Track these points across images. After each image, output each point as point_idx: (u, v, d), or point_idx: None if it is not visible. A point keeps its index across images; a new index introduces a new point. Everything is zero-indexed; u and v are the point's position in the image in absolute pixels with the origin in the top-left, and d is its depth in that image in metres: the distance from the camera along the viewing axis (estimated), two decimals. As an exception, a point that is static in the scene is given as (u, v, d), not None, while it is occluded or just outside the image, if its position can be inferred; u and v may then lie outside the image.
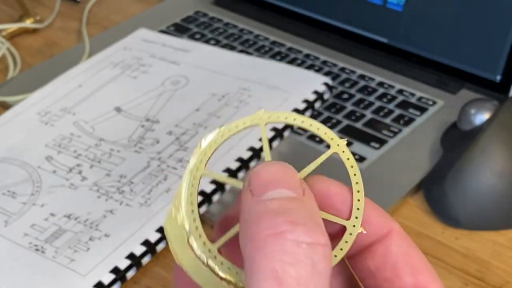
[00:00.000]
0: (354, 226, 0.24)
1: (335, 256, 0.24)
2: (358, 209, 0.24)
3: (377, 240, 0.25)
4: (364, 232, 0.24)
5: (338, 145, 0.24)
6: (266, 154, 0.24)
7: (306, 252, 0.20)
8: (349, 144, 0.62)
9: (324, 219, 0.23)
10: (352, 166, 0.24)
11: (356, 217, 0.24)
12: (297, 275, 0.20)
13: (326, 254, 0.21)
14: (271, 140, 0.60)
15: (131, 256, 0.50)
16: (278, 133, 0.61)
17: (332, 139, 0.24)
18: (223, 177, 0.24)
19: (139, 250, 0.51)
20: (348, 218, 0.24)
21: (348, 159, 0.24)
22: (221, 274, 0.23)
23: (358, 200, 0.24)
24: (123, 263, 0.50)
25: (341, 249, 0.24)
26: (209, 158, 0.24)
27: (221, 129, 0.24)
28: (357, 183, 0.24)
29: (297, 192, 0.22)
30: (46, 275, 0.49)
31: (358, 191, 0.24)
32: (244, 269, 0.21)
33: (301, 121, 0.24)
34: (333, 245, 0.23)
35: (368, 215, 0.25)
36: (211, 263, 0.23)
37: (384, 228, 0.25)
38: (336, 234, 0.25)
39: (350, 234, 0.24)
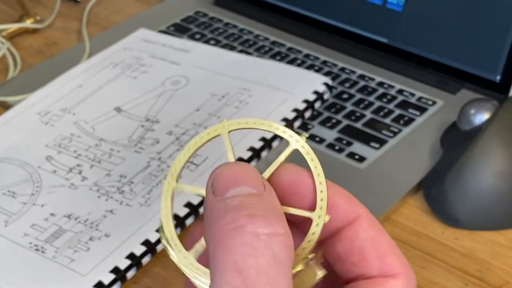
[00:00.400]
0: (319, 216, 0.25)
1: (304, 248, 0.24)
2: (321, 199, 0.25)
3: (345, 225, 0.26)
4: (328, 221, 0.25)
5: (297, 141, 0.25)
6: (230, 157, 0.26)
7: (265, 243, 0.21)
8: (350, 143, 0.62)
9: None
10: (312, 159, 0.25)
11: (321, 208, 0.25)
12: (257, 265, 0.21)
13: (286, 244, 0.22)
14: (271, 141, 0.60)
15: (131, 256, 0.50)
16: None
17: (291, 136, 0.25)
18: (192, 189, 0.26)
19: (139, 250, 0.51)
20: (314, 209, 0.25)
21: (308, 153, 0.25)
22: (196, 282, 0.24)
23: (321, 191, 0.25)
24: (123, 263, 0.50)
25: (309, 240, 0.24)
26: (180, 172, 0.26)
27: (188, 144, 0.26)
28: (318, 175, 0.25)
29: (257, 188, 0.23)
30: (46, 275, 0.49)
31: (320, 183, 0.25)
32: (209, 265, 0.22)
33: (260, 123, 0.26)
34: (302, 236, 0.24)
35: (335, 201, 0.25)
36: (187, 270, 0.24)
37: (351, 213, 0.26)
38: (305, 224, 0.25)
39: (317, 225, 0.25)
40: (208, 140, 0.26)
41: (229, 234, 0.21)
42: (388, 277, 0.25)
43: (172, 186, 0.26)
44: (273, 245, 0.21)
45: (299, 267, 0.24)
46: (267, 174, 0.25)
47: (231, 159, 0.25)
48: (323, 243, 0.26)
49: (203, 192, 0.25)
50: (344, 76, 0.70)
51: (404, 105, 0.66)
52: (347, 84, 0.69)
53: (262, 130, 0.26)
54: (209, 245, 0.22)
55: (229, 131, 0.26)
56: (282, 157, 0.25)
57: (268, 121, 0.26)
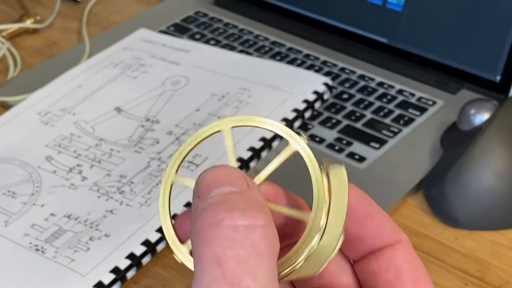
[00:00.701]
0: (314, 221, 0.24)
1: (295, 252, 0.24)
2: (317, 204, 0.25)
3: (386, 245, 0.26)
4: (341, 240, 0.24)
5: (298, 143, 0.25)
6: (230, 159, 0.26)
7: (243, 234, 0.21)
8: (350, 143, 0.62)
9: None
10: (310, 161, 0.25)
11: (316, 211, 0.24)
12: (236, 256, 0.21)
13: (266, 234, 0.22)
14: (271, 141, 0.60)
15: (131, 256, 0.50)
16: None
17: (291, 137, 0.25)
18: (191, 182, 0.26)
19: (139, 250, 0.51)
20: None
21: (307, 156, 0.25)
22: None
23: (318, 195, 0.25)
24: (123, 263, 0.50)
25: (303, 242, 0.24)
26: (180, 164, 0.26)
27: (190, 137, 0.26)
28: (317, 180, 0.25)
29: (239, 187, 0.23)
30: (46, 275, 0.49)
31: (318, 185, 0.25)
32: (193, 261, 0.22)
33: (263, 122, 0.25)
34: None
35: (381, 220, 0.26)
36: (185, 263, 0.25)
37: (394, 236, 0.26)
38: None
39: (310, 229, 0.24)
40: (210, 135, 0.26)
41: (209, 229, 0.22)
42: (392, 248, 0.26)
43: (171, 178, 0.25)
44: (252, 235, 0.21)
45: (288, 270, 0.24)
46: (264, 174, 0.25)
47: (231, 155, 0.25)
48: (358, 261, 0.27)
49: (192, 184, 0.25)
50: (344, 76, 0.70)
51: (404, 105, 0.66)
52: (347, 84, 0.69)
53: (264, 129, 0.25)
54: (193, 243, 0.22)
55: (232, 127, 0.25)
56: (281, 158, 0.25)
57: (271, 120, 0.25)
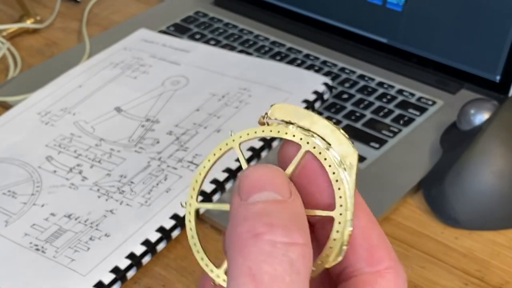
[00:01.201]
0: (341, 214, 0.24)
1: (331, 247, 0.24)
2: (340, 197, 0.24)
3: (368, 271, 0.25)
4: (351, 224, 0.24)
5: (308, 142, 0.25)
6: None
7: (281, 251, 0.21)
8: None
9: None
10: (325, 159, 0.25)
11: (341, 205, 0.24)
12: (272, 271, 0.21)
13: (304, 253, 0.22)
14: (271, 141, 0.60)
15: (131, 256, 0.50)
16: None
17: (301, 139, 0.25)
18: (215, 206, 0.26)
19: (139, 250, 0.51)
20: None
21: (320, 153, 0.25)
22: None
23: (339, 188, 0.25)
24: (123, 263, 0.50)
25: (334, 239, 0.24)
26: (199, 190, 0.26)
27: (201, 163, 0.26)
28: (333, 173, 0.25)
29: (283, 194, 0.23)
30: (46, 275, 0.49)
31: (337, 180, 0.25)
32: (227, 270, 0.22)
33: (268, 131, 0.25)
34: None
35: (374, 244, 0.25)
36: (217, 281, 0.25)
37: (383, 262, 0.25)
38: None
39: (339, 223, 0.24)
40: (221, 156, 0.26)
41: (247, 242, 0.21)
42: (377, 274, 0.25)
43: (194, 207, 0.26)
44: (290, 253, 0.21)
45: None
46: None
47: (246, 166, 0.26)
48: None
49: (226, 207, 0.25)
50: (344, 76, 0.71)
51: (404, 105, 0.66)
52: (347, 84, 0.69)
53: (272, 137, 0.26)
54: (228, 251, 0.22)
55: (240, 144, 0.26)
56: (296, 161, 0.25)
57: (275, 127, 0.25)
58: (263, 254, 0.21)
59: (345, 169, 0.25)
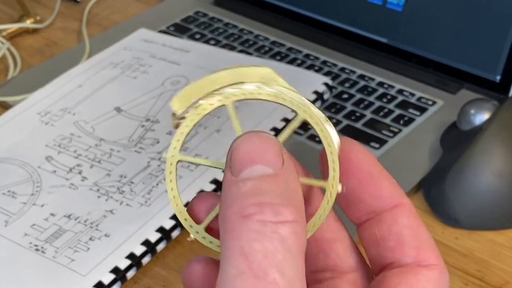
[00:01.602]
0: (333, 186, 0.25)
1: (314, 224, 0.25)
2: (334, 169, 0.25)
3: (387, 209, 0.25)
4: (340, 191, 0.25)
5: (305, 111, 0.25)
6: (237, 129, 0.25)
7: (272, 229, 0.21)
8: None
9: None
10: (322, 130, 0.25)
11: (334, 177, 0.25)
12: (263, 249, 0.21)
13: (296, 230, 0.22)
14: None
15: (131, 256, 0.50)
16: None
17: (298, 106, 0.25)
18: (197, 160, 0.25)
19: (139, 250, 0.51)
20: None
21: (317, 124, 0.25)
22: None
23: (333, 161, 0.25)
24: (123, 263, 0.50)
25: (325, 209, 0.25)
26: (182, 143, 0.25)
27: (190, 115, 0.25)
28: (329, 145, 0.25)
29: (274, 166, 0.23)
30: (46, 275, 0.49)
31: (331, 153, 0.25)
32: (220, 251, 0.22)
33: (266, 94, 0.25)
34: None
35: (381, 182, 0.25)
36: (195, 236, 0.25)
37: (395, 199, 0.26)
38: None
39: (330, 194, 0.25)
40: (212, 111, 0.25)
41: (237, 223, 0.22)
42: (423, 267, 0.25)
43: (176, 158, 0.25)
44: (280, 230, 0.21)
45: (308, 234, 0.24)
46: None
47: (238, 129, 0.25)
48: (360, 226, 0.26)
49: (206, 162, 0.25)
50: (344, 76, 0.70)
51: (404, 105, 0.66)
52: (347, 84, 0.69)
53: (267, 101, 0.25)
54: (221, 230, 0.22)
55: (233, 101, 0.25)
56: (291, 128, 0.25)
57: (273, 91, 0.25)
58: (254, 234, 0.21)
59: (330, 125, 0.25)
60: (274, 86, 0.25)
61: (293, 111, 0.25)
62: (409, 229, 0.25)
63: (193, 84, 0.25)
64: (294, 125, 0.25)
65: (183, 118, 0.25)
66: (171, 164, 0.25)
